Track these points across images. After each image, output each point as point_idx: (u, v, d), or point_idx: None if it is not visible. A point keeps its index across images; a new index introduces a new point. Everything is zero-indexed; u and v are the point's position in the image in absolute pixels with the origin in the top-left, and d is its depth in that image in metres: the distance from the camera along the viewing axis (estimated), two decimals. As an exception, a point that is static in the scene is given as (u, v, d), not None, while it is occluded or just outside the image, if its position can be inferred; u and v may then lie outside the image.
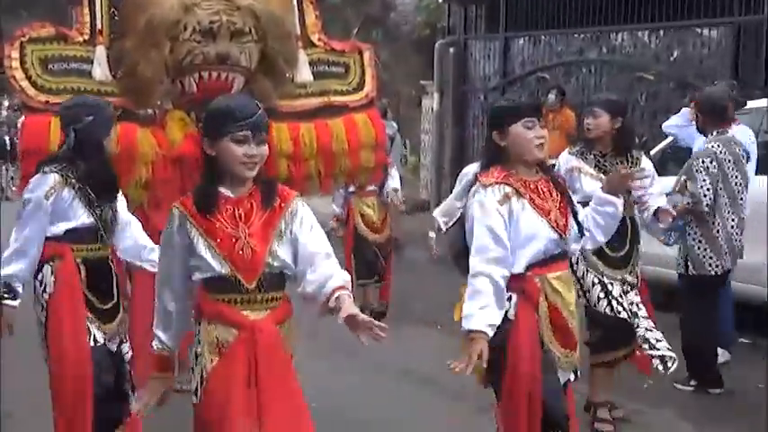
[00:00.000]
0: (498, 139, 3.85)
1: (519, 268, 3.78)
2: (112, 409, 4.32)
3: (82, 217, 4.26)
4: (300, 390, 3.38)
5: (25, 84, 4.78)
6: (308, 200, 5.06)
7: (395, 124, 12.40)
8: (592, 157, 5.72)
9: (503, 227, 3.71)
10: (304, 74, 5.26)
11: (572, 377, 3.97)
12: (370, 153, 5.47)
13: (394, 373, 6.68)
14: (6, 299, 4.31)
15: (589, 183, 5.50)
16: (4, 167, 11.01)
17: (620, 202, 4.03)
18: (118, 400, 4.33)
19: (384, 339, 3.00)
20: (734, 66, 10.96)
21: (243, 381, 3.20)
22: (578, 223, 3.90)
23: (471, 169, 4.41)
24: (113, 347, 4.37)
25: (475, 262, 3.68)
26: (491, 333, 3.58)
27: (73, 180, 4.22)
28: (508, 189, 3.74)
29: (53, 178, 4.16)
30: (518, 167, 3.84)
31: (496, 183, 3.77)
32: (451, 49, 15.29)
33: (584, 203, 4.35)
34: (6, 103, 26.82)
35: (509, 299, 3.80)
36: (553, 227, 3.80)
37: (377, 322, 3.07)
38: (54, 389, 4.27)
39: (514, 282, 3.78)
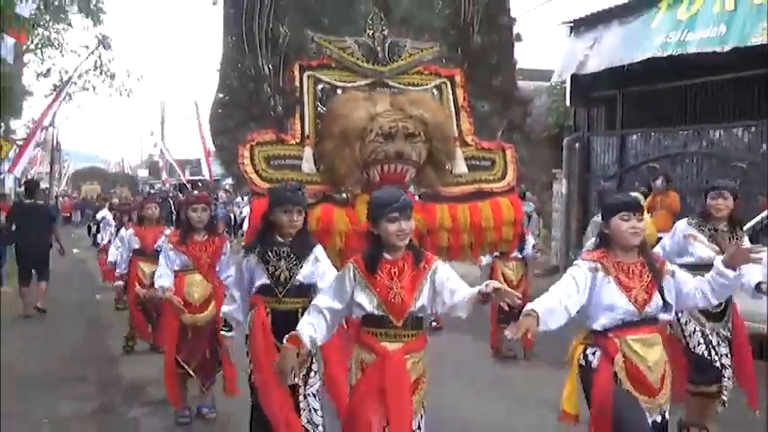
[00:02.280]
0: (604, 227, 4.23)
1: (598, 327, 4.13)
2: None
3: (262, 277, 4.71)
4: (413, 410, 3.88)
5: (254, 176, 5.15)
6: (461, 265, 5.88)
7: (532, 204, 12.73)
8: (706, 229, 5.87)
9: (580, 284, 4.10)
10: (460, 167, 5.54)
11: (659, 419, 4.09)
12: (510, 228, 5.68)
13: (534, 403, 6.71)
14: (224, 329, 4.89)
15: (703, 250, 5.73)
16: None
17: (737, 275, 4.16)
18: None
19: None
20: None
21: (372, 393, 3.81)
22: (664, 299, 4.10)
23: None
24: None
25: (552, 289, 4.12)
26: (540, 315, 3.88)
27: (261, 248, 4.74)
28: (598, 265, 4.10)
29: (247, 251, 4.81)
30: (617, 251, 4.15)
31: (591, 260, 4.16)
32: (577, 144, 16.25)
33: (694, 266, 4.90)
34: (226, 185, 27.57)
35: (594, 353, 4.15)
36: (632, 301, 4.03)
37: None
38: (253, 391, 4.74)
39: (599, 339, 4.15)
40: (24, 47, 16.84)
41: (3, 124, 22.68)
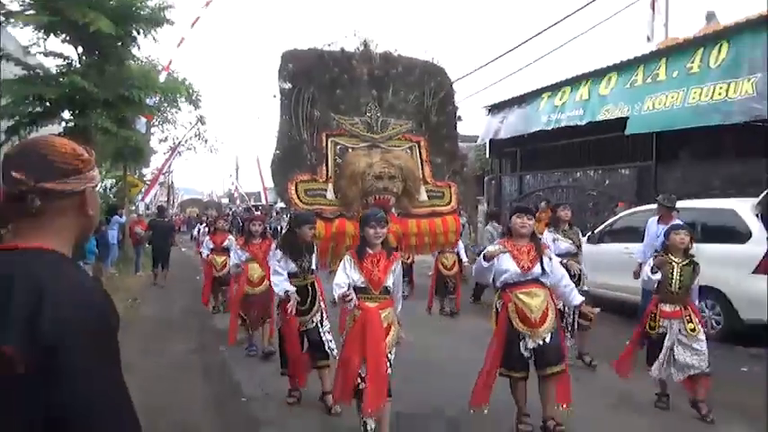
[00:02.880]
0: (508, 224, 4.44)
1: (500, 284, 4.23)
2: (309, 355, 4.85)
3: (291, 266, 4.84)
4: (385, 345, 3.85)
5: (297, 201, 5.19)
6: (423, 256, 5.68)
7: (465, 218, 12.84)
8: (559, 231, 6.13)
9: (501, 263, 4.18)
10: (423, 196, 5.53)
11: (540, 342, 4.06)
12: (453, 235, 5.75)
13: (470, 340, 6.43)
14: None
15: (564, 245, 5.97)
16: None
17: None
18: (312, 351, 4.83)
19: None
20: (636, 190, 11.35)
21: (358, 334, 3.86)
22: (543, 268, 4.17)
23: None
24: (310, 326, 4.81)
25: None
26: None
27: (286, 249, 4.84)
28: (501, 247, 4.21)
29: (278, 251, 4.88)
30: (515, 237, 4.27)
31: (498, 243, 4.31)
32: (493, 181, 16.38)
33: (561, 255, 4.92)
34: (277, 208, 27.34)
35: (500, 302, 4.23)
36: (519, 267, 4.12)
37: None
38: (281, 342, 4.97)
39: (502, 293, 4.24)
40: (151, 123, 17.10)
41: (138, 171, 22.95)
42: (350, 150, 5.41)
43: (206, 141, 22.63)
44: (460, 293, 8.95)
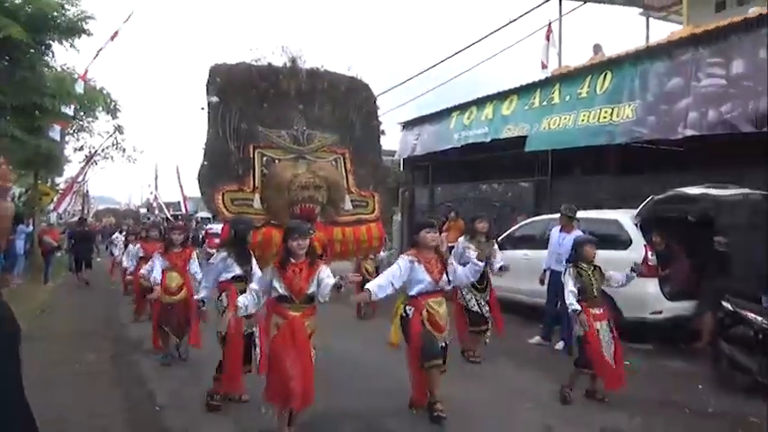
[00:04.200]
0: (416, 237, 4.55)
1: (413, 293, 4.38)
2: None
3: (236, 270, 4.67)
4: (310, 349, 3.89)
5: (224, 210, 5.18)
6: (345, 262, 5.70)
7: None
8: (475, 241, 6.31)
9: (403, 269, 4.36)
10: (348, 205, 5.63)
11: (443, 344, 4.43)
12: (377, 242, 5.84)
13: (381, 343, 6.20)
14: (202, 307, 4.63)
15: (472, 254, 5.84)
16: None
17: (482, 264, 4.59)
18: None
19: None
20: (534, 202, 11.91)
21: (285, 341, 3.84)
22: (448, 278, 4.43)
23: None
24: (253, 329, 4.66)
25: (385, 272, 4.46)
26: (372, 290, 4.21)
27: (232, 254, 4.69)
28: (414, 258, 4.41)
29: (222, 254, 4.72)
30: (423, 250, 4.48)
31: (408, 255, 4.48)
32: (407, 193, 16.57)
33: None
34: (198, 217, 26.82)
35: (410, 309, 4.40)
36: (431, 278, 4.36)
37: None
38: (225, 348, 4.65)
39: (413, 301, 4.39)
40: (66, 131, 16.21)
41: (51, 180, 21.64)
42: (276, 162, 5.40)
43: (124, 151, 21.59)
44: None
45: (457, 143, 13.26)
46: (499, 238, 9.32)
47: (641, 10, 16.20)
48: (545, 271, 7.29)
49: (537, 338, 7.36)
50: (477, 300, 6.26)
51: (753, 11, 8.79)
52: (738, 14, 9.34)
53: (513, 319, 7.95)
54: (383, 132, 6.38)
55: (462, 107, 13.57)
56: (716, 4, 13.73)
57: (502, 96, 12.38)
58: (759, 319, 5.27)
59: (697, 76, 8.67)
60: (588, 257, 5.08)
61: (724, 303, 5.60)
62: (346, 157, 5.79)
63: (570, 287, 4.97)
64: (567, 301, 4.98)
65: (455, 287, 5.47)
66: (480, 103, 12.97)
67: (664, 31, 13.89)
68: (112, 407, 4.84)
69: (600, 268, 5.12)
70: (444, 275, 4.43)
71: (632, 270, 5.09)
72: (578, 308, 4.90)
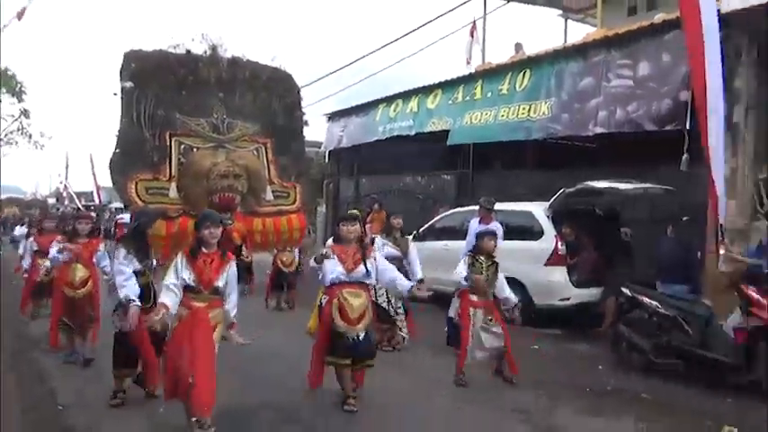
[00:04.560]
0: (337, 230, 4.70)
1: (327, 283, 4.47)
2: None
3: (136, 265, 4.47)
4: (213, 343, 3.80)
5: (137, 199, 4.93)
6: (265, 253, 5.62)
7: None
8: (391, 237, 6.47)
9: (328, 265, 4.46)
10: (269, 195, 5.47)
11: (357, 337, 4.35)
12: (298, 233, 5.71)
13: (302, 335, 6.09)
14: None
15: (390, 250, 6.25)
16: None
17: (408, 286, 4.71)
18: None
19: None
20: (456, 194, 12.24)
21: (185, 332, 3.75)
22: (367, 270, 4.47)
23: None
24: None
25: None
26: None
27: (131, 248, 4.49)
28: (329, 250, 4.55)
29: (122, 250, 4.48)
30: (343, 242, 4.58)
31: (329, 248, 4.63)
32: (331, 184, 16.53)
33: (389, 258, 5.19)
34: (112, 207, 25.42)
35: (325, 299, 4.50)
36: (343, 269, 4.43)
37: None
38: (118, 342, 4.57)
39: (327, 290, 4.49)
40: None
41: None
42: (195, 150, 5.25)
43: (30, 136, 20.28)
44: (296, 288, 9.03)
45: (382, 135, 13.41)
46: (420, 230, 9.63)
47: (560, 11, 16.93)
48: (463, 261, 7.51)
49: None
50: (387, 297, 6.33)
51: (659, 17, 9.41)
52: (647, 19, 9.96)
53: (433, 308, 8.15)
54: (307, 123, 6.31)
55: (388, 100, 13.71)
56: (628, 8, 14.55)
57: (427, 90, 12.62)
58: (653, 303, 5.74)
59: (607, 77, 9.21)
60: (486, 250, 5.30)
61: (624, 290, 6.04)
62: (268, 147, 5.72)
63: (460, 268, 5.23)
64: (456, 277, 5.21)
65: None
66: (406, 96, 13.17)
67: (580, 32, 14.56)
68: (11, 407, 4.60)
69: (497, 265, 5.34)
70: (362, 267, 4.46)
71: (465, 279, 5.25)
72: (463, 282, 5.15)
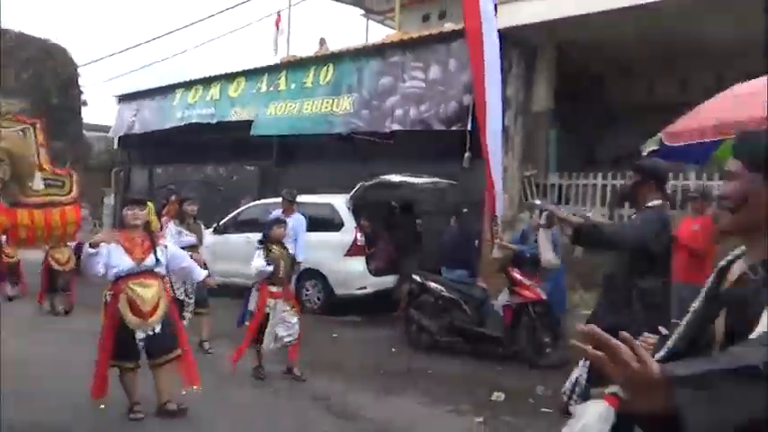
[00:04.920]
0: (122, 215, 4.36)
1: (112, 277, 4.12)
2: None
3: None
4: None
5: None
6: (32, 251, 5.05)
7: (86, 211, 11.62)
8: (185, 224, 6.30)
9: (102, 253, 4.08)
10: (38, 184, 4.86)
11: (151, 332, 4.07)
12: (72, 227, 5.13)
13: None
14: None
15: (187, 238, 6.10)
16: None
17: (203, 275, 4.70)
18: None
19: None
20: (259, 186, 12.06)
21: None
22: (157, 259, 4.20)
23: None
24: None
25: None
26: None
27: None
28: (111, 240, 4.17)
29: None
30: (128, 228, 4.25)
31: (110, 232, 4.37)
32: (122, 173, 15.07)
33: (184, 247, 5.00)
34: None
35: (110, 294, 4.14)
36: (131, 259, 4.12)
37: None
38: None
39: (112, 286, 4.15)
40: None
41: None
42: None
43: None
44: (74, 289, 8.12)
45: (180, 122, 12.74)
46: (221, 222, 9.35)
47: (363, 11, 17.61)
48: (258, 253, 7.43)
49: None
50: (185, 289, 6.02)
51: (448, 26, 10.31)
52: (438, 27, 10.84)
53: (235, 303, 8.00)
54: (85, 103, 5.82)
55: (187, 85, 13.07)
56: (423, 15, 15.68)
57: (230, 78, 12.28)
58: (439, 287, 6.31)
59: (403, 78, 9.86)
60: (276, 237, 5.31)
61: (414, 276, 6.54)
62: (38, 128, 5.07)
63: (258, 263, 5.13)
64: (254, 270, 5.14)
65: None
66: (206, 82, 12.67)
67: (381, 33, 15.32)
68: None
69: (288, 251, 5.40)
70: (152, 255, 4.17)
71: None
72: (268, 269, 5.08)
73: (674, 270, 3.40)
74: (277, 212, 7.53)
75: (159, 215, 6.20)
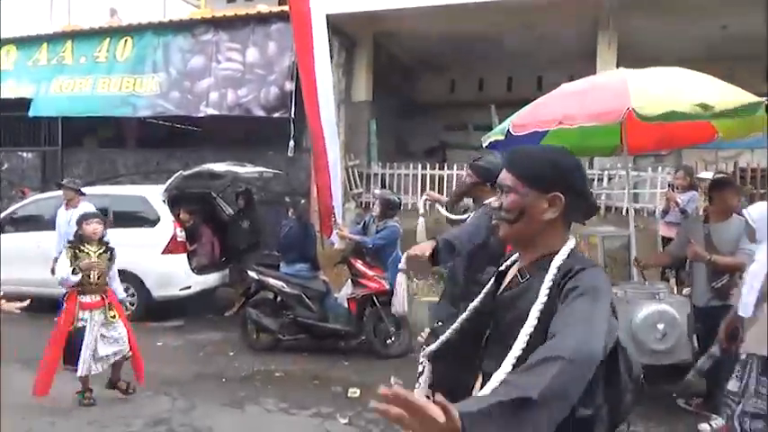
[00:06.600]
0: None
1: None
2: None
3: None
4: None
5: None
6: None
7: None
8: None
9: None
10: None
11: None
12: None
13: None
14: None
15: None
16: None
17: None
18: None
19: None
20: (42, 176, 10.45)
21: None
22: None
23: None
24: None
25: None
26: None
27: None
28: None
29: None
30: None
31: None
32: None
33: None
34: None
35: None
36: None
37: None
38: None
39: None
40: None
41: None
42: None
43: None
44: None
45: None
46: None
47: (160, -16, 16.08)
48: (55, 259, 6.08)
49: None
50: None
51: (262, 7, 9.81)
52: (246, 8, 10.23)
53: (35, 317, 6.71)
54: None
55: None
56: (228, -5, 14.84)
57: (-6, 44, 10.24)
58: (279, 283, 5.98)
59: (218, 58, 9.17)
60: (91, 235, 4.50)
61: (250, 272, 6.10)
62: None
63: (60, 267, 4.40)
64: (57, 279, 4.42)
65: None
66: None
67: (183, 11, 14.05)
68: None
69: (113, 250, 4.59)
70: None
71: None
72: (72, 279, 4.33)
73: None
74: (63, 207, 6.42)
75: None
